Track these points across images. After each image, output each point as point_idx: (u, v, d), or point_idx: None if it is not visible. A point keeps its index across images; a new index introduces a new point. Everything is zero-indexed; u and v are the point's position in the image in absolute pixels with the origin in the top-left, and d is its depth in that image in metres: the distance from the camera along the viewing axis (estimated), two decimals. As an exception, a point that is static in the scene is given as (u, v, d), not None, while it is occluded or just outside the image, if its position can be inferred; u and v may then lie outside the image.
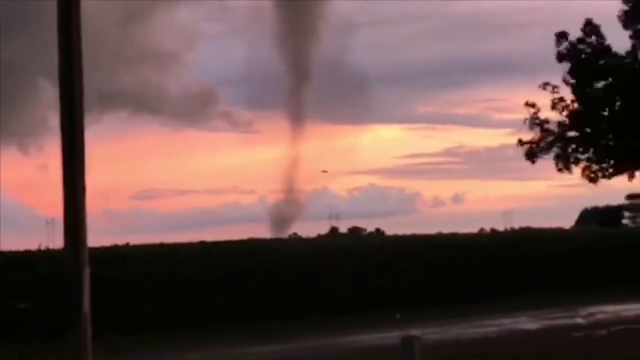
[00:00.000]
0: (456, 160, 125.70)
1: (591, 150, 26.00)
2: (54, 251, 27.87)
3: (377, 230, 69.30)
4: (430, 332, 21.06)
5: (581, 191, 31.66)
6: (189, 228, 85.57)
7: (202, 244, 32.54)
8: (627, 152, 25.67)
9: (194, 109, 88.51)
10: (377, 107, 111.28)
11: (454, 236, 39.97)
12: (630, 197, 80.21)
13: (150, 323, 26.60)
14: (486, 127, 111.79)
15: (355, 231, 74.33)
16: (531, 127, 26.31)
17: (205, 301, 28.17)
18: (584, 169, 26.25)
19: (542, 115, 26.51)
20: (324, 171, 74.36)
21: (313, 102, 77.84)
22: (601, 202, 70.82)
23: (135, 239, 29.90)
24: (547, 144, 26.01)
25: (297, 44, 73.65)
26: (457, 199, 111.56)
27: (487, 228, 60.45)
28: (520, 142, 26.48)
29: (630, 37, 26.26)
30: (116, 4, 77.05)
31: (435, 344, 18.71)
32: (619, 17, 25.85)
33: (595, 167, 26.21)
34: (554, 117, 26.72)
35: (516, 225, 60.21)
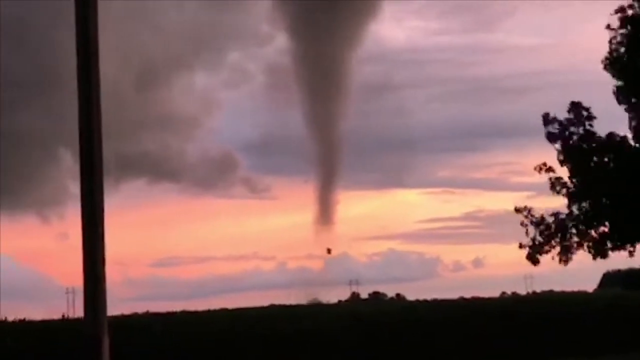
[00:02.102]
0: (476, 224, 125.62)
1: (593, 230, 25.97)
2: (74, 320, 27.92)
3: (398, 295, 69.05)
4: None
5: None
6: (208, 295, 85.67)
7: (223, 311, 32.52)
8: (630, 228, 25.71)
9: (214, 175, 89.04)
10: (396, 172, 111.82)
11: (475, 300, 39.81)
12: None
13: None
14: (504, 190, 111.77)
15: (376, 296, 74.02)
16: (527, 227, 26.28)
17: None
18: (589, 248, 26.20)
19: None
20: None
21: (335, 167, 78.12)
22: (624, 265, 70.07)
23: (155, 307, 30.01)
24: (547, 239, 26.00)
25: (321, 109, 73.95)
26: (477, 263, 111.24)
27: (509, 292, 60.14)
28: (521, 246, 26.47)
29: (626, 110, 26.15)
30: (135, 68, 77.92)
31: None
32: (613, 92, 25.87)
33: (598, 245, 26.15)
34: (552, 203, 26.66)
35: (538, 289, 59.85)
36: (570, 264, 26.81)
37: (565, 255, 26.10)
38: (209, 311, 32.11)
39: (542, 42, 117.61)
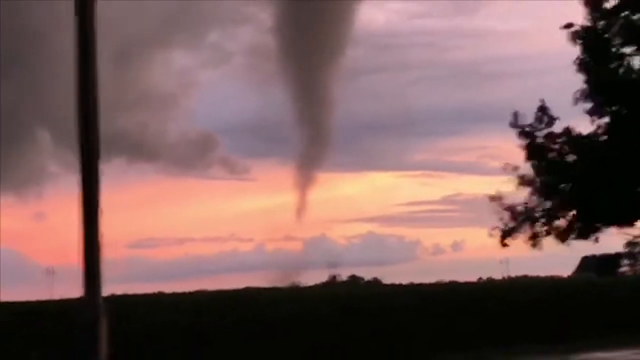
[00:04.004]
0: (455, 208, 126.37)
1: (557, 219, 26.80)
2: (63, 301, 28.27)
3: (375, 279, 69.54)
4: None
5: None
6: (186, 276, 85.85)
7: (200, 292, 32.88)
8: (590, 218, 26.49)
9: (192, 156, 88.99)
10: (374, 155, 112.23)
11: (451, 285, 40.41)
12: (629, 244, 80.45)
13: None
14: (482, 174, 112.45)
15: (353, 280, 74.48)
16: (501, 214, 27.04)
17: (203, 352, 28.43)
18: (556, 235, 27.03)
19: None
20: None
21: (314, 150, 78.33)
22: (601, 250, 70.88)
23: (133, 288, 30.36)
24: (518, 225, 26.82)
25: (305, 91, 73.85)
26: (456, 246, 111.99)
27: (485, 276, 60.88)
28: (492, 231, 27.23)
29: (590, 113, 26.68)
30: (111, 44, 77.21)
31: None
32: (575, 94, 26.36)
33: (561, 231, 26.95)
34: (521, 195, 27.37)
35: (513, 274, 60.55)
36: (548, 249, 27.54)
37: (534, 241, 26.95)
38: (186, 293, 32.45)
39: (523, 27, 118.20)
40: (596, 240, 27.22)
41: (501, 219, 26.90)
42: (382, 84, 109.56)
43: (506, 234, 26.89)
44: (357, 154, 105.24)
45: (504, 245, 27.06)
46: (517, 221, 26.88)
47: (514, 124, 26.91)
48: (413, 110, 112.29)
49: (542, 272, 55.00)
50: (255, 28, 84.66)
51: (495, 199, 27.14)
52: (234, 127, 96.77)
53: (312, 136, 74.81)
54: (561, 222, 26.77)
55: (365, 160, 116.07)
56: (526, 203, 26.95)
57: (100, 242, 10.02)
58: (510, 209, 26.84)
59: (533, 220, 26.69)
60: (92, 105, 9.95)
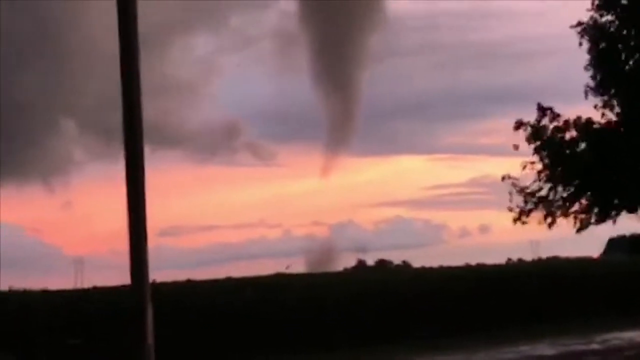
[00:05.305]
0: (482, 190, 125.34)
1: (575, 203, 26.56)
2: (97, 289, 28.46)
3: (404, 262, 69.25)
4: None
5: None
6: (214, 264, 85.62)
7: (229, 279, 32.88)
8: (605, 202, 26.26)
9: (218, 142, 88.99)
10: (401, 139, 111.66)
11: (479, 267, 40.33)
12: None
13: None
14: (510, 155, 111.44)
15: (382, 264, 74.20)
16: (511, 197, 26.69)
17: (235, 336, 28.41)
18: (574, 220, 26.74)
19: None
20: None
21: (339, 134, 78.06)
22: (627, 231, 70.11)
23: (161, 276, 30.22)
24: (533, 204, 26.48)
25: (331, 74, 73.31)
26: (483, 229, 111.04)
27: (515, 258, 60.36)
28: (510, 209, 26.89)
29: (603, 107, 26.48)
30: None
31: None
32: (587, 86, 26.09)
33: (580, 216, 26.68)
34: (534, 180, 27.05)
35: (544, 255, 59.88)
36: (572, 231, 27.22)
37: (551, 219, 26.70)
38: (215, 280, 32.46)
39: (550, 5, 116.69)
40: (614, 222, 26.99)
41: (513, 200, 26.66)
42: (408, 67, 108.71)
43: (521, 213, 26.65)
44: (384, 138, 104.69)
45: (523, 223, 26.82)
46: (530, 202, 26.63)
47: (518, 126, 26.72)
48: (440, 93, 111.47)
49: (571, 254, 54.41)
50: (279, 11, 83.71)
51: (508, 179, 26.86)
52: (260, 113, 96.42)
53: (339, 117, 74.48)
54: (577, 208, 26.53)
55: (393, 144, 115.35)
56: (541, 188, 26.74)
57: (146, 229, 10.24)
58: (524, 191, 26.58)
59: (547, 203, 26.44)
60: (136, 94, 10.33)
